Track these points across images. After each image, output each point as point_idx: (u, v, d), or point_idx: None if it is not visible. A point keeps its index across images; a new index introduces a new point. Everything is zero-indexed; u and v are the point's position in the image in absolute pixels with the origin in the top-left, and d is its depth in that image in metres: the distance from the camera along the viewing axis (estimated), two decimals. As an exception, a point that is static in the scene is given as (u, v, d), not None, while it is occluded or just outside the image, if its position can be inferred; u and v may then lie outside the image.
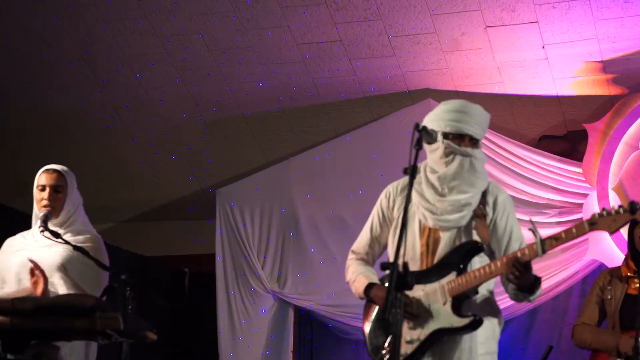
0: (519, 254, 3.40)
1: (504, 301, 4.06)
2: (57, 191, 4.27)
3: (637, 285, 4.49)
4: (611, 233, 3.37)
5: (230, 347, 6.68)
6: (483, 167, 3.65)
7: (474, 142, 3.60)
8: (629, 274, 4.60)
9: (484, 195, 3.62)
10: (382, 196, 3.76)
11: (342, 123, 6.81)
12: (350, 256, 3.80)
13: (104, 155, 7.20)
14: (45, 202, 4.23)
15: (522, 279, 3.41)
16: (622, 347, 4.42)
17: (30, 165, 4.54)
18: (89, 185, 5.95)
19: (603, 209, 3.32)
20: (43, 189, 4.27)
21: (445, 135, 3.58)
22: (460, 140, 3.58)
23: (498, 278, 3.53)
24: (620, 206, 3.30)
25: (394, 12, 6.02)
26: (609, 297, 4.60)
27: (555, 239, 3.38)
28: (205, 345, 7.06)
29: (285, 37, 6.28)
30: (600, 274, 4.78)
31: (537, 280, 3.48)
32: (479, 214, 3.58)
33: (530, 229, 3.39)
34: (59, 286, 4.12)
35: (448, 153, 3.56)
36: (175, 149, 7.15)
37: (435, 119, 3.63)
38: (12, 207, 6.14)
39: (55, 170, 4.32)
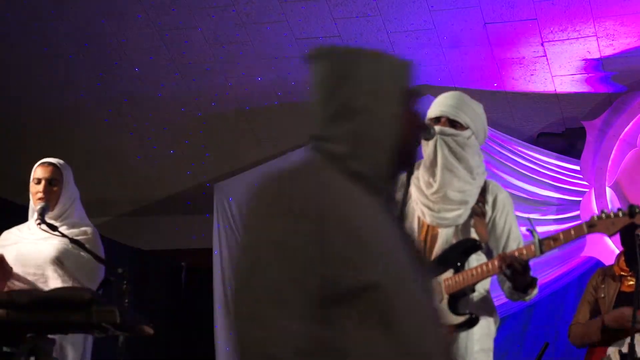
0: (517, 254, 3.40)
1: (500, 298, 4.06)
2: (52, 184, 4.27)
3: (631, 282, 4.49)
4: (610, 236, 3.37)
5: (226, 341, 6.68)
6: (474, 156, 3.60)
7: (453, 124, 3.57)
8: (622, 273, 4.61)
9: (484, 193, 3.61)
10: None
11: (341, 118, 6.80)
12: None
13: (102, 149, 7.19)
14: (40, 195, 4.24)
15: (520, 278, 3.41)
16: (606, 319, 4.42)
17: (28, 159, 4.54)
18: (86, 179, 5.97)
19: (602, 211, 3.32)
20: (38, 182, 4.27)
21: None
22: (437, 123, 3.57)
23: (494, 276, 3.53)
24: (619, 209, 3.30)
25: (393, 7, 6.02)
26: (602, 295, 4.60)
27: (554, 240, 3.38)
28: (202, 340, 7.06)
29: (284, 32, 6.27)
30: (594, 274, 4.79)
31: (533, 280, 3.48)
32: (478, 212, 3.57)
33: (528, 229, 3.39)
34: (54, 279, 4.12)
35: (427, 137, 3.50)
36: (174, 144, 7.14)
37: None
38: (12, 201, 6.14)
39: (50, 164, 4.32)
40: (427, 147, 3.57)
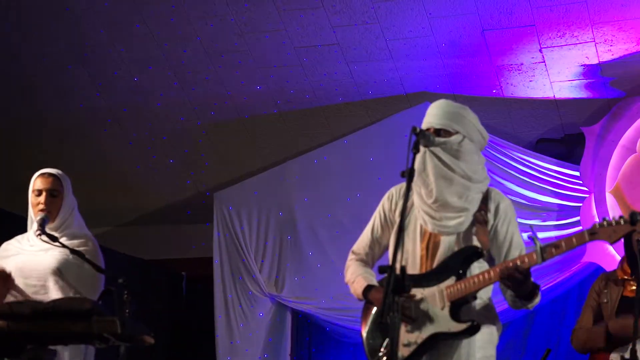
0: (518, 262, 3.40)
1: (502, 304, 4.06)
2: (54, 195, 4.26)
3: (634, 287, 4.48)
4: (611, 243, 3.37)
5: (227, 351, 6.67)
6: (471, 159, 3.59)
7: (439, 132, 3.57)
8: (624, 277, 4.60)
9: (486, 201, 3.61)
10: (385, 198, 3.76)
11: (340, 126, 6.81)
12: (350, 257, 3.81)
13: (102, 158, 7.19)
14: (41, 207, 4.22)
15: (522, 286, 3.41)
16: (611, 328, 4.41)
17: (28, 169, 4.53)
18: (86, 188, 5.97)
19: (604, 219, 3.32)
20: (39, 193, 4.26)
21: None
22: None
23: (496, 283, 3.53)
24: (621, 217, 3.30)
25: (391, 15, 6.02)
26: (605, 300, 4.59)
27: (555, 247, 3.38)
28: (203, 349, 7.05)
29: (283, 41, 6.28)
30: (597, 279, 4.78)
31: (535, 288, 3.48)
32: (480, 219, 3.57)
33: (530, 237, 3.38)
34: (55, 290, 4.11)
35: (426, 144, 3.50)
36: (173, 153, 7.14)
37: None
38: (9, 211, 6.13)
39: (51, 175, 4.31)
40: (418, 158, 3.57)
